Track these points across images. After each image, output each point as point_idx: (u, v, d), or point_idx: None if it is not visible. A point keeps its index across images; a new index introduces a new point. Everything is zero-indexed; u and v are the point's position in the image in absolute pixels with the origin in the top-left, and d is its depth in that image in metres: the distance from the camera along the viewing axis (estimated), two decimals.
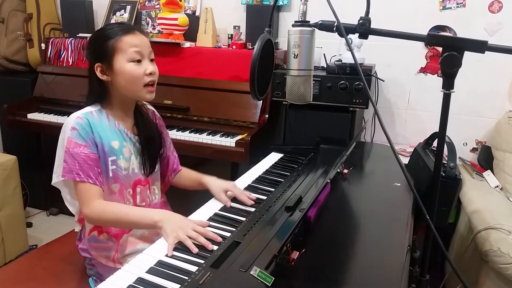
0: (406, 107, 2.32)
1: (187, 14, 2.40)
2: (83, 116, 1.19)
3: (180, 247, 0.99)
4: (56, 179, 1.25)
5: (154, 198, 1.37)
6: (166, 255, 0.97)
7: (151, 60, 1.24)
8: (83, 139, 1.16)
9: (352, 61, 1.66)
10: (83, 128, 1.17)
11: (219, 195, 1.28)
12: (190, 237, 1.01)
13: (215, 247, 0.99)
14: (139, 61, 1.20)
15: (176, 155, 1.48)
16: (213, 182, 1.34)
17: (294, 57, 1.01)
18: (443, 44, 0.84)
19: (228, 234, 1.05)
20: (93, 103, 1.25)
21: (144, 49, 1.21)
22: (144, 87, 1.22)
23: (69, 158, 1.16)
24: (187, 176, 1.47)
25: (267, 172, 1.56)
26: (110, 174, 1.22)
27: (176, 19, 2.29)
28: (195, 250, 0.98)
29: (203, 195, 1.31)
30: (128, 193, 1.28)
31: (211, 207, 1.23)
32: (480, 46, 0.81)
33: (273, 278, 0.79)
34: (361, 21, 0.88)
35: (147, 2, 2.69)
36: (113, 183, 1.23)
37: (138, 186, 1.30)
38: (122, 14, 2.66)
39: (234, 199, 1.28)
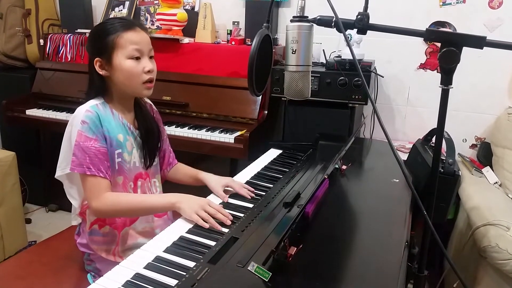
0: (405, 103, 2.32)
1: (186, 10, 2.40)
2: (92, 110, 1.19)
3: (180, 242, 1.00)
4: (61, 172, 1.25)
5: (155, 191, 1.38)
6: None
7: (151, 57, 1.24)
8: (93, 133, 1.17)
9: (352, 57, 1.66)
10: (93, 122, 1.17)
11: (218, 190, 1.29)
12: (209, 213, 1.09)
13: (225, 230, 1.06)
14: (138, 58, 1.20)
15: (171, 149, 1.49)
16: (211, 178, 1.36)
17: (292, 53, 1.00)
18: (441, 40, 0.83)
19: (226, 230, 1.05)
20: (93, 97, 1.25)
21: (144, 46, 1.21)
22: (142, 84, 1.22)
23: (79, 152, 1.15)
24: (183, 171, 1.48)
25: (265, 168, 1.56)
26: (116, 167, 1.23)
27: (175, 14, 2.28)
28: (218, 227, 1.06)
29: (201, 191, 1.31)
30: (130, 186, 1.28)
31: None
32: (478, 42, 0.81)
33: (271, 274, 0.79)
34: (359, 16, 0.88)
35: None
36: (118, 175, 1.24)
37: (139, 179, 1.31)
38: (121, 10, 2.65)
39: (232, 195, 1.28)
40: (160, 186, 1.41)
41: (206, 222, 1.08)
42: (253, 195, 1.29)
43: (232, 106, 2.13)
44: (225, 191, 1.30)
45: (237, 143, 1.97)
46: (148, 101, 1.43)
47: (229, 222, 1.08)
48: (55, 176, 1.28)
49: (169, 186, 1.49)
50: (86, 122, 1.16)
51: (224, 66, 2.20)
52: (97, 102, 1.23)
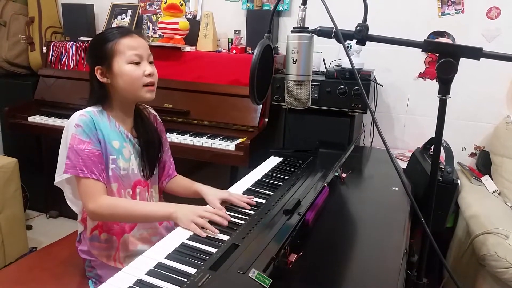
0: (405, 112, 2.33)
1: (187, 19, 2.42)
2: (86, 114, 1.21)
3: (181, 249, 1.01)
4: (59, 178, 1.26)
5: (152, 201, 1.38)
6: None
7: (150, 63, 1.26)
8: (87, 136, 1.18)
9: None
10: (87, 125, 1.19)
11: (215, 203, 1.25)
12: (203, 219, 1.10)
13: (225, 237, 1.04)
14: (138, 63, 1.22)
15: (173, 161, 1.48)
16: (208, 191, 1.32)
17: (293, 63, 1.02)
18: (439, 51, 0.85)
19: (227, 237, 1.06)
20: (93, 105, 1.27)
21: (143, 51, 1.23)
22: (143, 87, 1.23)
23: (72, 154, 1.17)
24: (181, 183, 1.47)
25: (266, 175, 1.57)
26: (110, 173, 1.24)
27: (177, 23, 2.31)
28: (216, 231, 1.07)
29: (201, 203, 1.30)
30: (128, 193, 1.29)
31: None
32: (475, 53, 0.82)
33: (271, 280, 0.80)
34: (358, 27, 0.90)
35: (148, 6, 2.71)
36: (112, 182, 1.25)
37: (138, 186, 1.32)
38: (123, 18, 2.68)
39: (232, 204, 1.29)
40: (156, 196, 1.41)
41: (203, 228, 1.08)
42: (254, 202, 1.28)
43: (233, 114, 2.14)
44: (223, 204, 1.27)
45: (238, 151, 1.98)
46: (153, 111, 1.44)
47: (226, 223, 1.10)
48: (55, 183, 1.28)
49: (168, 196, 1.49)
50: (80, 125, 1.18)
51: (225, 74, 2.22)
52: (94, 109, 1.25)
